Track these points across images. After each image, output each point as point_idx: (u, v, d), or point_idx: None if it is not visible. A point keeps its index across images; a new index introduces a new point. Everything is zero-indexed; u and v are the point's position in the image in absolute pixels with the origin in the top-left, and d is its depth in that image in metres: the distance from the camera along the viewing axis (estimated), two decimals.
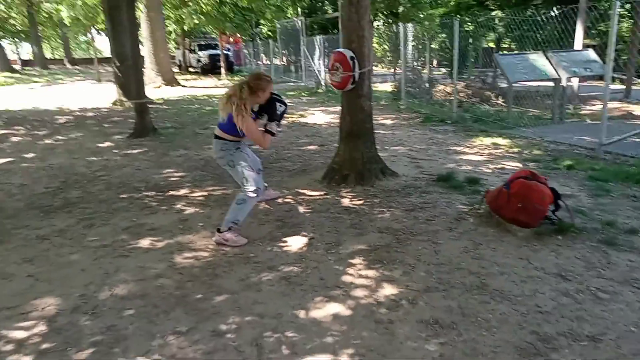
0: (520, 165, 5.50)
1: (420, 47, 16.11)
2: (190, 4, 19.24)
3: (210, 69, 24.55)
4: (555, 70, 7.94)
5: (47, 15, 33.64)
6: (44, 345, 2.38)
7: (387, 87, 15.19)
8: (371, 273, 3.04)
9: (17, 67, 36.92)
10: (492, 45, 17.63)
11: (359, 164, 4.88)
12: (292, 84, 18.31)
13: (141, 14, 17.76)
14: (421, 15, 12.35)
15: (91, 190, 5.13)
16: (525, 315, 2.51)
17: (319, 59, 15.74)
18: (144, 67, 23.27)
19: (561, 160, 5.49)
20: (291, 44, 20.75)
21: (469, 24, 13.86)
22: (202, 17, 20.20)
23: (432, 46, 15.96)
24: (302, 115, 9.99)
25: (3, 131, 9.29)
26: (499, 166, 5.45)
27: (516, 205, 3.45)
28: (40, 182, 5.48)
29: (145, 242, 3.67)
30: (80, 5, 19.75)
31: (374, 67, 24.06)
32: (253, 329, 2.48)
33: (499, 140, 6.81)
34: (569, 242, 3.32)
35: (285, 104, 3.65)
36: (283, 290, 2.88)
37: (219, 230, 3.56)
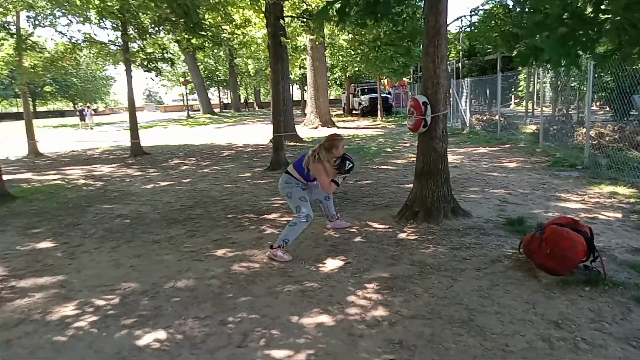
0: (620, 216, 4.99)
1: (583, 88, 14.85)
2: (352, 51, 20.85)
3: (369, 111, 26.04)
4: None
5: (243, 67, 39.80)
6: (110, 312, 3.30)
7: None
8: (375, 296, 3.34)
9: (216, 110, 43.90)
10: None
11: (428, 202, 5.08)
12: None
13: (307, 63, 20.03)
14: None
15: (210, 209, 6.30)
16: (487, 350, 2.57)
17: (465, 101, 15.66)
18: (304, 111, 25.56)
19: None
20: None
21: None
22: (362, 64, 21.72)
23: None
24: None
25: (179, 161, 11.60)
26: (592, 216, 5.03)
27: (546, 251, 3.36)
28: (180, 201, 6.91)
29: (220, 252, 4.52)
30: (263, 58, 23.14)
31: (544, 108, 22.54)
32: (250, 324, 3.04)
33: (621, 190, 6.14)
34: (595, 294, 3.11)
35: (353, 163, 4.50)
36: (294, 299, 3.37)
37: (271, 247, 4.23)
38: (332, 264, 4.02)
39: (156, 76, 11.80)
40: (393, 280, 3.59)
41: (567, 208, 5.42)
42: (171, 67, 18.13)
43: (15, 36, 11.69)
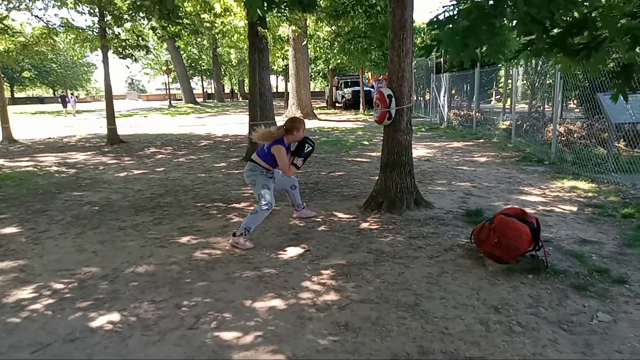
0: (575, 209, 5.17)
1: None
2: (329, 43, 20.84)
3: (352, 104, 26.13)
4: None
5: (226, 57, 39.48)
6: (67, 295, 3.34)
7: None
8: (329, 282, 3.44)
9: (200, 99, 43.54)
10: None
11: (392, 193, 5.20)
12: (419, 119, 18.58)
13: (290, 54, 20.00)
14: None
15: (180, 198, 6.33)
16: (427, 332, 2.69)
17: (444, 95, 15.84)
18: (286, 103, 25.54)
19: (625, 208, 5.00)
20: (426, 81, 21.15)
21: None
22: (344, 56, 21.73)
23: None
24: None
25: (155, 150, 11.55)
26: (549, 208, 5.20)
27: (494, 240, 3.49)
28: (151, 189, 6.92)
29: (185, 239, 4.58)
30: (245, 48, 23.00)
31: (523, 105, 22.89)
32: (204, 307, 3.12)
33: (581, 184, 6.35)
34: (536, 282, 3.26)
35: (312, 146, 4.50)
36: (250, 285, 3.45)
37: (234, 235, 4.30)
38: (292, 252, 4.11)
39: (131, 63, 11.72)
40: (349, 267, 3.69)
41: (527, 201, 5.59)
42: (146, 54, 17.90)
43: None
